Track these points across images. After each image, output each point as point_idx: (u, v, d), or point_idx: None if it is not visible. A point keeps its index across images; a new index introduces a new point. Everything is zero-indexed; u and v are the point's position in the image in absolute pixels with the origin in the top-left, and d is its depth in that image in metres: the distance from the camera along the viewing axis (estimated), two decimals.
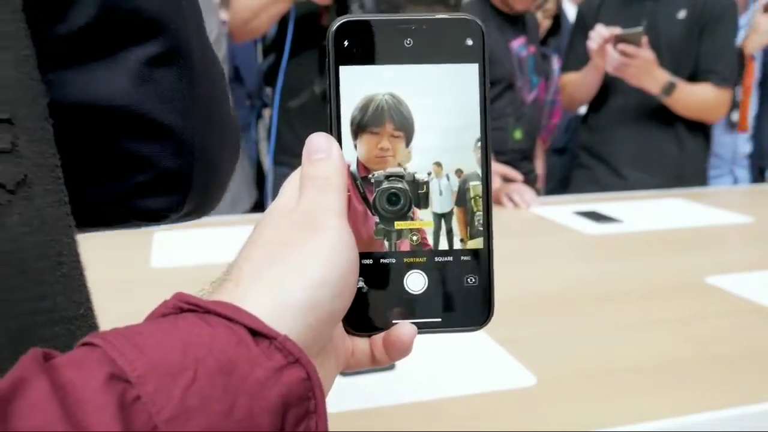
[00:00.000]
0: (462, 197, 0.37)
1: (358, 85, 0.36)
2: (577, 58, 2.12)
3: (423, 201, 0.37)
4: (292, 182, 0.35)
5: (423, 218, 0.37)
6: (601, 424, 0.74)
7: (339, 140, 0.36)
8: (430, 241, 0.37)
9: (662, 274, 1.24)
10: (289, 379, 0.26)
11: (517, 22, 2.07)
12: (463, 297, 0.37)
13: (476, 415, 0.77)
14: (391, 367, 0.84)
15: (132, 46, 0.37)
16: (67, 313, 0.31)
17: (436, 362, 0.86)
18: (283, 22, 1.86)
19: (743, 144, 2.34)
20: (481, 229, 0.37)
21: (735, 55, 2.01)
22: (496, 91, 2.00)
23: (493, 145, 1.99)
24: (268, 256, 0.30)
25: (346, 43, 0.36)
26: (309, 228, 0.31)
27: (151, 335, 0.25)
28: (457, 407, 0.78)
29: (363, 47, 0.36)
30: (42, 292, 0.30)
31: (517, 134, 2.06)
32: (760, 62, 2.33)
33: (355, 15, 0.37)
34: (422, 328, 0.36)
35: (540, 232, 1.57)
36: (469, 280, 0.37)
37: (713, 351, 0.93)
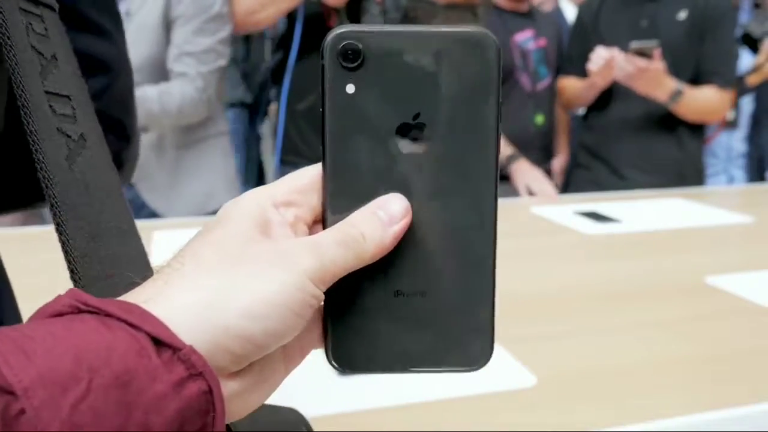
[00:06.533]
0: None
1: None
2: (574, 61, 2.12)
3: None
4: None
5: None
6: (601, 424, 0.74)
7: None
8: None
9: (662, 274, 1.24)
10: (189, 392, 0.25)
11: (524, 16, 2.14)
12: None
13: (476, 415, 0.77)
14: None
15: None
16: None
17: None
18: (292, 19, 1.83)
19: (738, 143, 2.35)
20: None
21: (736, 57, 2.01)
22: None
23: (514, 130, 2.04)
24: (217, 265, 0.28)
25: None
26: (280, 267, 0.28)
27: (43, 340, 0.23)
28: (457, 407, 0.78)
29: None
30: None
31: (539, 119, 2.13)
32: None
33: None
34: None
35: (540, 232, 1.57)
36: None
37: (713, 351, 0.93)
